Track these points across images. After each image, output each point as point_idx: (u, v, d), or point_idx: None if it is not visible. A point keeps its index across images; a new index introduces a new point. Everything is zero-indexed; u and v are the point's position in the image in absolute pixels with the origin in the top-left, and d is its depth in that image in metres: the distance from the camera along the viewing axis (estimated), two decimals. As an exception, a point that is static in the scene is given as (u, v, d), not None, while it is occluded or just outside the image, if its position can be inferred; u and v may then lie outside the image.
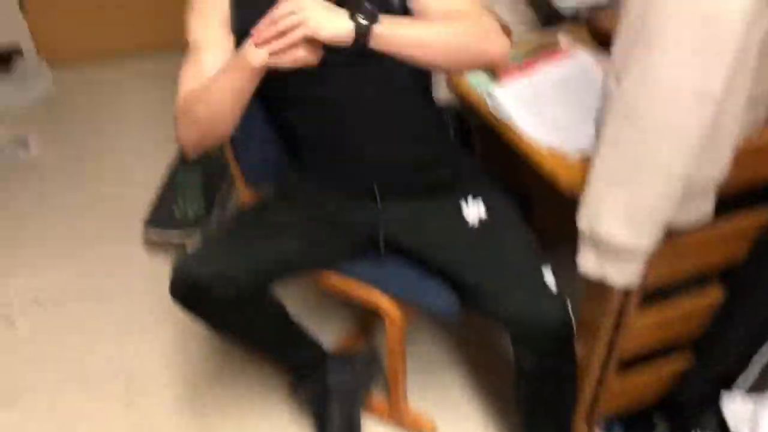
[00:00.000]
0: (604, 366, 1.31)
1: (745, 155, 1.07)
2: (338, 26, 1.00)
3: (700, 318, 1.33)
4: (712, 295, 1.31)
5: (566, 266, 1.17)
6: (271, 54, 1.03)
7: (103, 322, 1.94)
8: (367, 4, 1.02)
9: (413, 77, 1.29)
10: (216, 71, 1.17)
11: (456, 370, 1.79)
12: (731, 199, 1.15)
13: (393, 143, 1.31)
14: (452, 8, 1.14)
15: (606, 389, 1.35)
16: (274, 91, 1.24)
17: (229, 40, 1.22)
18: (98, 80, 3.05)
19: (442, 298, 1.31)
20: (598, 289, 1.15)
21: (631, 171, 0.94)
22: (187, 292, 1.28)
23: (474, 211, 1.31)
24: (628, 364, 1.36)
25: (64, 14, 3.06)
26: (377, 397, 1.68)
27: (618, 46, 0.96)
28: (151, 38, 3.21)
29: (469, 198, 1.32)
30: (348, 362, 1.59)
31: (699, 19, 0.82)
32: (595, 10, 1.70)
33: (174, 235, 2.09)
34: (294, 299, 1.43)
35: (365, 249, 1.40)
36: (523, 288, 1.20)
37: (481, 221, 1.30)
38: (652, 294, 1.23)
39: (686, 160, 0.91)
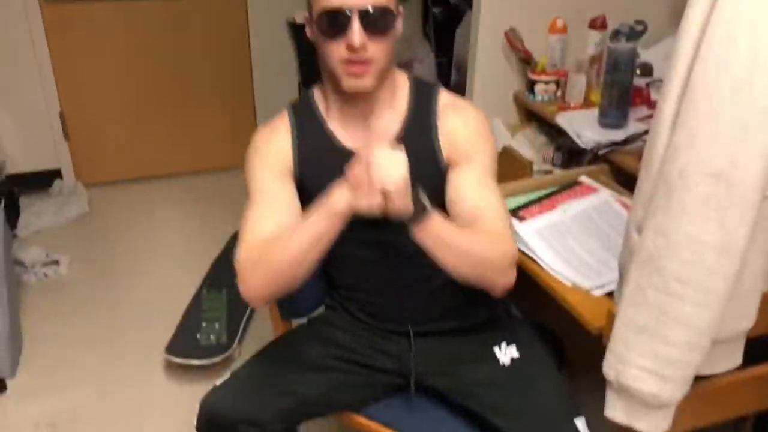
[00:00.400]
0: None
1: (770, 304, 1.08)
2: (406, 203, 1.06)
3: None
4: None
5: (596, 398, 1.14)
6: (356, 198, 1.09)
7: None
8: (423, 195, 1.08)
9: None
10: (290, 218, 1.19)
11: None
12: (760, 345, 1.14)
13: (432, 291, 1.32)
14: (484, 207, 1.18)
15: None
16: None
17: (292, 188, 1.25)
18: (130, 201, 3.18)
19: None
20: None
21: (657, 321, 0.94)
22: (214, 430, 1.28)
23: (507, 355, 1.31)
24: None
25: (101, 140, 3.25)
26: None
27: (638, 196, 0.99)
28: (180, 164, 3.40)
29: (503, 344, 1.32)
30: None
31: (708, 178, 0.86)
32: (614, 149, 1.76)
33: (197, 362, 2.09)
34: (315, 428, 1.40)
35: (395, 389, 1.38)
36: None
37: (513, 360, 1.29)
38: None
39: (712, 313, 0.91)
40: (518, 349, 1.31)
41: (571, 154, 1.95)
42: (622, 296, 1.00)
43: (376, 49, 1.14)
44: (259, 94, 3.36)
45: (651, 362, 0.96)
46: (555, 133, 2.04)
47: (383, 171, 1.05)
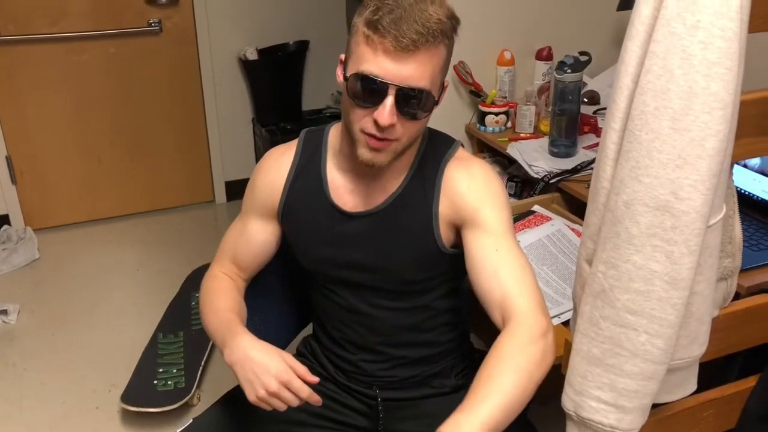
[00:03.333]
0: None
1: (720, 328, 1.09)
2: None
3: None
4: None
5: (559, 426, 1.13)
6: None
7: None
8: None
9: (449, 306, 1.30)
10: (249, 259, 1.30)
11: None
12: (714, 368, 1.16)
13: (405, 363, 1.30)
14: (510, 289, 1.06)
15: None
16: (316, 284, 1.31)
17: (267, 229, 1.28)
18: (82, 245, 3.10)
19: None
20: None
21: (612, 353, 0.95)
22: None
23: None
24: None
25: (51, 184, 3.18)
26: None
27: (587, 229, 1.00)
28: (134, 204, 3.35)
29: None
30: None
31: (654, 210, 0.87)
32: (565, 177, 1.79)
33: (155, 410, 2.03)
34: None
35: None
36: None
37: None
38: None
39: (665, 342, 0.92)
40: None
41: (524, 184, 1.97)
42: (577, 329, 1.01)
43: (405, 131, 1.06)
44: (213, 131, 3.34)
45: (608, 394, 0.96)
46: (507, 164, 2.07)
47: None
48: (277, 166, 1.25)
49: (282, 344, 1.48)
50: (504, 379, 0.96)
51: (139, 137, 3.24)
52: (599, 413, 0.97)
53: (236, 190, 3.39)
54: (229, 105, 3.32)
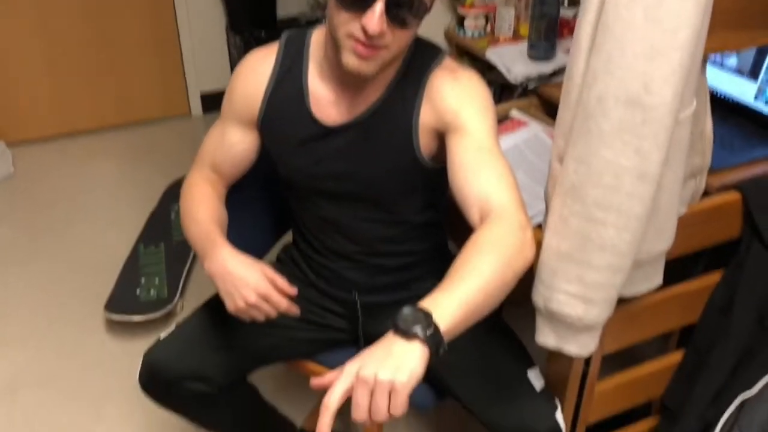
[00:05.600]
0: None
1: (687, 225, 1.11)
2: (414, 365, 0.85)
3: (663, 380, 1.35)
4: (672, 359, 1.33)
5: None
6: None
7: (62, 409, 1.88)
8: (408, 312, 0.88)
9: (428, 220, 1.30)
10: (228, 165, 1.29)
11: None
12: (679, 265, 1.19)
13: (384, 270, 1.32)
14: (491, 191, 1.03)
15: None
16: (293, 192, 1.31)
17: (245, 137, 1.26)
18: (57, 159, 3.07)
19: (417, 393, 1.30)
20: (559, 356, 1.17)
21: (580, 248, 0.96)
22: (159, 387, 1.27)
23: None
24: (597, 429, 1.37)
25: (22, 97, 3.10)
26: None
27: (559, 126, 1.00)
28: (107, 117, 3.28)
29: None
30: None
31: (624, 104, 0.87)
32: (543, 82, 1.77)
33: (138, 318, 2.06)
34: (261, 374, 1.41)
35: (343, 342, 1.40)
36: (507, 395, 1.18)
37: None
38: (616, 357, 1.25)
39: (632, 236, 0.94)
40: None
41: (503, 89, 1.96)
42: (547, 226, 1.02)
43: (394, 40, 1.02)
44: (185, 39, 3.24)
45: (576, 287, 0.99)
46: (486, 69, 2.04)
47: None
48: (256, 75, 1.22)
49: (261, 251, 1.50)
50: (483, 263, 0.94)
51: (109, 47, 3.15)
52: (567, 306, 1.00)
53: (213, 102, 3.33)
54: (201, 11, 3.21)
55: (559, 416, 1.16)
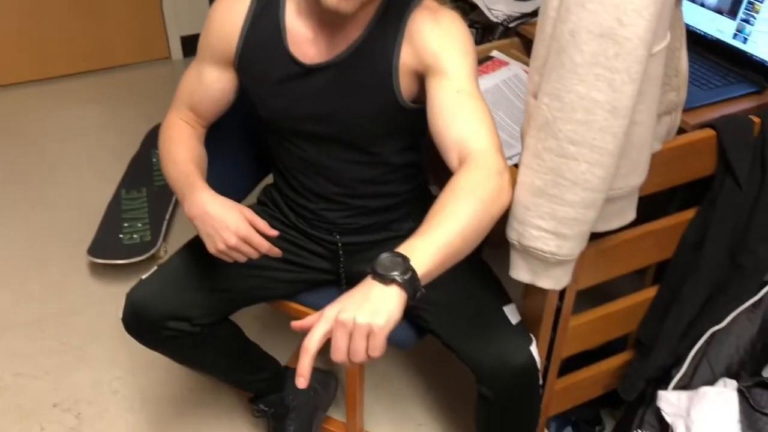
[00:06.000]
0: (546, 368, 1.35)
1: (661, 162, 1.12)
2: (391, 309, 0.87)
3: (637, 316, 1.39)
4: (646, 295, 1.36)
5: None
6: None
7: (47, 351, 1.91)
8: (385, 258, 0.88)
9: (408, 161, 1.30)
10: (205, 105, 1.28)
11: (415, 390, 1.81)
12: (655, 203, 1.21)
13: (365, 212, 1.33)
14: (470, 135, 1.04)
15: (550, 391, 1.39)
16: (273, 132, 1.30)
17: (222, 77, 1.25)
18: (35, 104, 3.02)
19: (397, 332, 1.32)
20: (534, 292, 1.19)
21: (554, 183, 0.97)
22: (142, 327, 1.28)
23: None
24: (571, 365, 1.41)
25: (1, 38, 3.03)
26: (334, 417, 1.70)
27: (534, 62, 1.00)
28: (85, 61, 3.21)
29: None
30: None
31: (598, 37, 0.87)
32: (524, 21, 1.75)
33: (121, 262, 2.07)
34: (246, 315, 1.43)
35: (325, 283, 1.42)
36: (483, 331, 1.20)
37: None
38: (590, 293, 1.28)
39: (604, 172, 0.95)
40: None
41: (485, 30, 1.93)
42: (521, 162, 1.03)
43: None
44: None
45: (549, 222, 1.00)
46: (469, 9, 2.01)
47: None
48: (232, 12, 1.20)
49: (242, 193, 1.50)
50: (460, 207, 0.96)
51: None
52: (540, 241, 1.02)
53: (193, 45, 3.26)
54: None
55: (534, 350, 1.19)
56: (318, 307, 1.41)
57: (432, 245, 0.93)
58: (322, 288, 1.42)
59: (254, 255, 1.14)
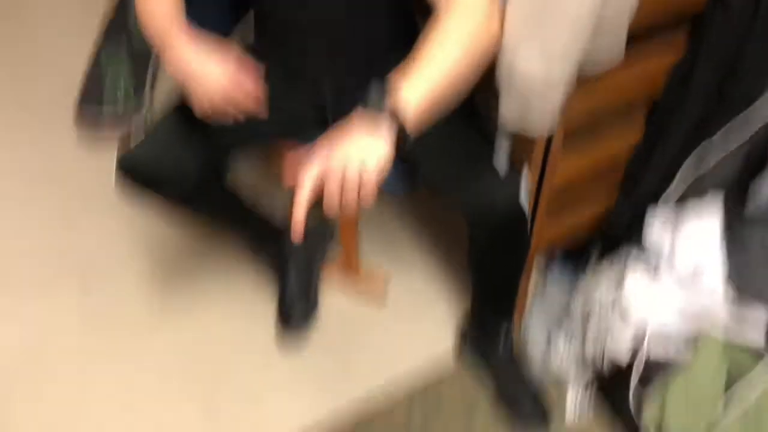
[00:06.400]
0: (535, 208, 1.38)
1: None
2: (381, 150, 0.88)
3: (626, 156, 1.41)
4: (636, 135, 1.37)
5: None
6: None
7: (43, 214, 1.93)
8: (375, 96, 0.89)
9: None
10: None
11: (410, 232, 1.87)
12: (644, 36, 1.19)
13: (362, 63, 1.29)
14: None
15: (539, 230, 1.43)
16: None
17: None
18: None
19: (388, 180, 1.33)
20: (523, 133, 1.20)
21: (543, 11, 0.95)
22: (135, 187, 1.30)
23: None
24: (560, 204, 1.45)
25: None
26: (333, 263, 1.77)
27: None
28: None
29: None
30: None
31: None
32: None
33: (107, 120, 2.05)
34: (241, 184, 1.46)
35: (313, 128, 1.40)
36: (472, 173, 1.20)
37: None
38: (578, 133, 1.29)
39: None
40: None
41: None
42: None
43: None
44: None
45: (538, 48, 0.99)
46: None
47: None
48: None
49: (224, 29, 1.45)
50: (448, 50, 0.94)
51: None
52: (529, 64, 1.01)
53: None
54: None
55: (522, 192, 1.21)
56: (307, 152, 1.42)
57: (421, 87, 0.92)
58: (311, 132, 1.40)
59: (240, 116, 1.14)
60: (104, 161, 2.03)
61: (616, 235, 1.48)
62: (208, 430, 1.52)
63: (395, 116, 0.88)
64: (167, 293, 1.76)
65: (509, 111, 1.09)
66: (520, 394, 1.49)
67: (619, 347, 1.34)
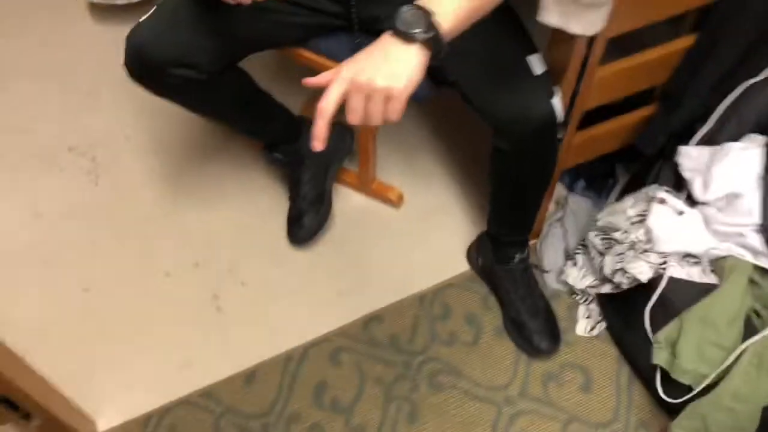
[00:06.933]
0: (566, 120, 1.30)
1: None
2: (411, 70, 0.80)
3: (668, 68, 1.30)
4: (682, 44, 1.26)
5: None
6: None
7: (58, 100, 1.88)
8: (407, 12, 0.80)
9: None
10: None
11: (428, 142, 1.80)
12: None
13: None
14: None
15: (568, 144, 1.35)
16: None
17: None
18: None
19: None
20: (561, 39, 1.10)
21: None
22: (145, 74, 1.21)
23: None
24: (592, 117, 1.36)
25: None
26: (348, 168, 1.71)
27: None
28: None
29: None
30: None
31: None
32: None
33: (120, 0, 1.95)
34: (255, 63, 1.37)
35: (336, 28, 1.30)
36: (503, 80, 1.11)
37: None
38: (618, 45, 1.18)
39: None
40: None
41: None
42: None
43: None
44: None
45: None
46: None
47: None
48: None
49: None
50: None
51: None
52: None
53: None
54: None
55: (556, 101, 1.13)
56: (329, 54, 1.34)
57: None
58: (334, 34, 1.32)
59: None
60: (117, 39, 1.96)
61: (646, 154, 1.39)
62: (218, 322, 1.52)
63: (429, 38, 0.80)
64: (177, 189, 1.72)
65: (549, 14, 0.98)
66: (530, 311, 1.46)
67: (641, 266, 1.29)
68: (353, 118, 0.83)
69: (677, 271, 1.27)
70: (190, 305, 1.54)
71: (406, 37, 0.80)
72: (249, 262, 1.60)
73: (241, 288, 1.57)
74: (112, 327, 1.51)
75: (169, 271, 1.59)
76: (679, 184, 1.35)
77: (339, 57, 1.31)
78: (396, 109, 0.82)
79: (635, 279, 1.29)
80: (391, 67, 0.80)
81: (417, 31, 0.80)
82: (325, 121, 0.82)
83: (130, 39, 1.20)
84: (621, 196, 1.48)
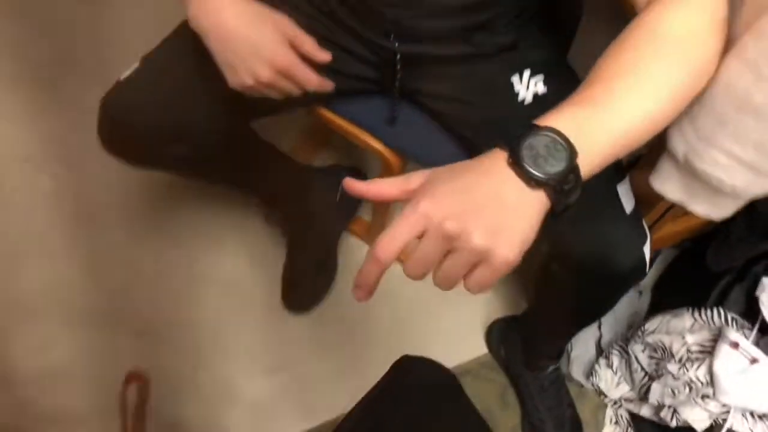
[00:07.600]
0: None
1: None
2: (527, 232, 0.54)
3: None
4: None
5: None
6: None
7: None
8: (543, 139, 0.54)
9: None
10: None
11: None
12: None
13: (440, 15, 0.89)
14: None
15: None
16: None
17: None
18: None
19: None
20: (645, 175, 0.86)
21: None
22: (126, 148, 0.95)
23: (529, 89, 0.92)
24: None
25: None
26: (360, 216, 1.49)
27: None
28: None
29: (526, 73, 0.93)
30: (333, 175, 1.37)
31: None
32: None
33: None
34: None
35: (370, 90, 1.03)
36: (590, 214, 0.83)
37: (536, 96, 0.92)
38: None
39: None
40: (546, 82, 0.92)
41: None
42: (729, 54, 0.64)
43: None
44: None
45: (748, 151, 0.66)
46: None
47: None
48: None
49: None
50: (662, 70, 0.60)
51: None
52: (726, 172, 0.68)
53: None
54: None
55: (647, 249, 0.87)
56: (351, 117, 1.08)
57: (608, 130, 0.58)
58: (367, 97, 1.06)
59: (296, 91, 0.83)
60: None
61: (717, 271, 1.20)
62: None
63: (570, 170, 0.55)
64: (163, 233, 1.49)
65: (668, 184, 0.76)
66: (556, 422, 1.30)
67: (698, 413, 1.13)
68: (415, 271, 0.56)
69: (739, 425, 1.11)
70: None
71: (535, 178, 0.54)
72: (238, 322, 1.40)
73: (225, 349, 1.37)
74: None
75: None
76: (750, 311, 1.17)
77: (366, 123, 1.08)
78: (490, 280, 0.55)
79: (687, 425, 1.14)
80: (499, 219, 0.53)
81: (555, 171, 0.54)
82: (379, 272, 0.56)
83: (105, 103, 0.91)
84: (670, 294, 1.30)
